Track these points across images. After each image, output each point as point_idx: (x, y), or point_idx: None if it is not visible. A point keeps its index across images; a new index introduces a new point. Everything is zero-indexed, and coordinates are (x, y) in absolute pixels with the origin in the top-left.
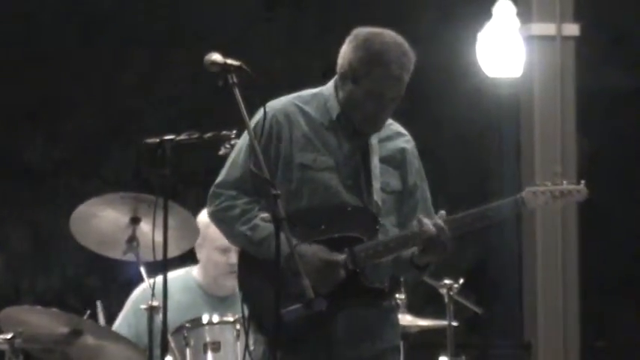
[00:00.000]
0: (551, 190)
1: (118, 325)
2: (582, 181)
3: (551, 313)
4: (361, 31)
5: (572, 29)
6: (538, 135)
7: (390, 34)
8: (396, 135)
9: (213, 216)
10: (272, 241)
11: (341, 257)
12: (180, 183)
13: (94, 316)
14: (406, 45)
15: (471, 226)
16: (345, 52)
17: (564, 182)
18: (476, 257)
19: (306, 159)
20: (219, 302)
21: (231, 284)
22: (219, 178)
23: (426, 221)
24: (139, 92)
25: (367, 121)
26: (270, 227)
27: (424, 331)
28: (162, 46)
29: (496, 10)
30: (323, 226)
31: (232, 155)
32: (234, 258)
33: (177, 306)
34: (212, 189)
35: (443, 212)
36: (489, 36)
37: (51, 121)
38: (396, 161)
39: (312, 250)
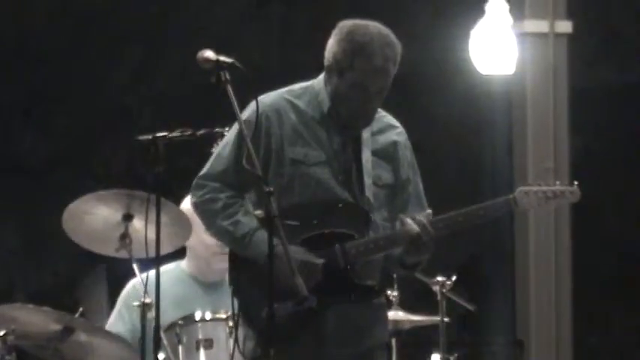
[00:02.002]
0: (543, 191)
1: (111, 323)
2: (575, 183)
3: (544, 310)
4: (345, 23)
5: (565, 26)
6: (530, 132)
7: (374, 26)
8: (388, 127)
9: (196, 207)
10: (252, 239)
11: (319, 260)
12: (172, 180)
13: (85, 314)
14: (391, 36)
15: (462, 225)
16: (330, 45)
17: (557, 183)
18: (468, 254)
19: (297, 154)
20: (211, 289)
21: (223, 267)
22: (203, 170)
23: (409, 221)
24: (132, 89)
25: (354, 115)
26: (251, 224)
27: (416, 328)
28: (154, 42)
29: (489, 7)
30: (315, 221)
31: (218, 148)
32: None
33: (172, 300)
34: (196, 180)
35: (429, 211)
36: (482, 33)
37: (43, 118)
38: (388, 154)
39: (290, 251)
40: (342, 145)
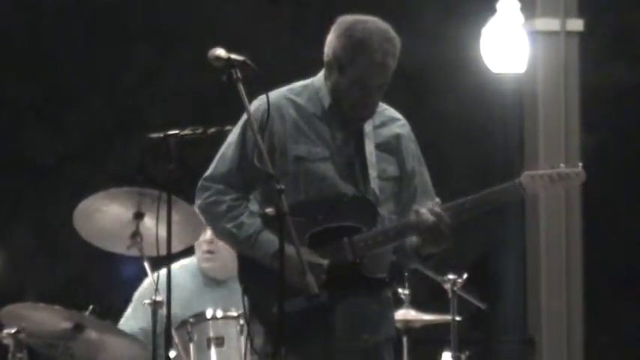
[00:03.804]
0: (549, 174)
1: (125, 319)
2: (580, 164)
3: (555, 308)
4: (345, 19)
5: (577, 24)
6: (542, 130)
7: (373, 21)
8: (390, 120)
9: (200, 209)
10: (257, 240)
11: (324, 261)
12: (183, 178)
13: (96, 311)
14: (390, 31)
15: (471, 212)
16: (330, 40)
17: (562, 165)
18: (479, 252)
19: (300, 151)
20: (218, 285)
21: (208, 266)
22: (207, 172)
23: (423, 211)
24: (144, 86)
25: (355, 110)
26: (255, 225)
27: (428, 326)
28: (166, 40)
29: (500, 5)
30: (322, 216)
31: (222, 149)
32: (208, 235)
33: (184, 295)
34: (200, 182)
35: (437, 200)
36: (493, 31)
37: (54, 116)
38: (391, 147)
39: (295, 250)
40: (345, 140)
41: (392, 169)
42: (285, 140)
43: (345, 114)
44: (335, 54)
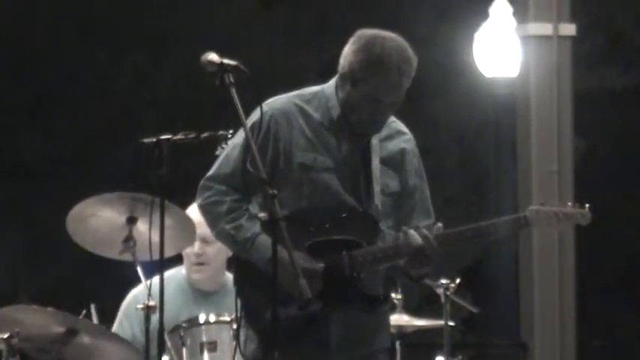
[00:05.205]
0: (555, 211)
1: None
2: (587, 205)
3: (548, 312)
4: (365, 32)
5: (569, 29)
6: (534, 134)
7: (392, 39)
8: (396, 134)
9: (201, 208)
10: (254, 243)
11: (319, 266)
12: (176, 182)
13: (89, 315)
14: (408, 51)
15: (471, 240)
16: (347, 53)
17: (569, 204)
18: (472, 257)
19: (306, 159)
20: (206, 297)
21: (199, 277)
22: (210, 172)
23: (412, 232)
24: (136, 91)
25: (363, 124)
26: (253, 229)
27: (421, 331)
28: (159, 44)
29: (493, 9)
30: (323, 227)
31: (226, 150)
32: (197, 247)
33: (172, 306)
34: (202, 181)
35: (440, 225)
36: (486, 36)
37: (48, 120)
38: (395, 162)
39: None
40: (351, 152)
41: (394, 185)
42: (290, 147)
43: (354, 127)
44: (351, 67)
